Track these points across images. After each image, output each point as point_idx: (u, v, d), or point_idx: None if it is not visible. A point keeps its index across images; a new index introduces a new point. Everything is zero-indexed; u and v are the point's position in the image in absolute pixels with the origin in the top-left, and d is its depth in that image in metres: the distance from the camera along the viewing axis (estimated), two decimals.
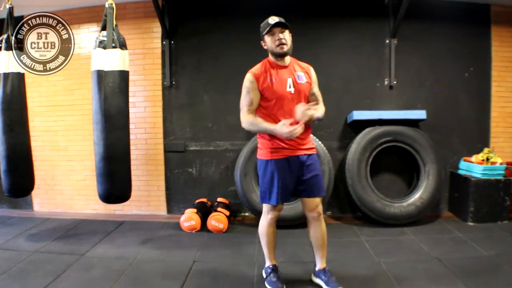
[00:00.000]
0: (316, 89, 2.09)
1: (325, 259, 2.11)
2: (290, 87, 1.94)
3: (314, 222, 2.05)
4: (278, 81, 1.94)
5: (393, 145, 3.25)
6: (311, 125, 2.07)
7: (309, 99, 2.06)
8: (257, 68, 2.02)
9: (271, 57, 2.02)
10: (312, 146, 2.05)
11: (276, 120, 1.92)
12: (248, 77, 1.99)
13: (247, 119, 1.96)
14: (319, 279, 2.09)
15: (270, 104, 1.96)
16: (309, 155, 2.00)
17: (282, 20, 1.93)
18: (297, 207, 3.10)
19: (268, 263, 2.18)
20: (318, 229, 2.05)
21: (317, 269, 2.11)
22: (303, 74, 2.00)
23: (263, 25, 1.99)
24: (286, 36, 1.95)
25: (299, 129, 1.81)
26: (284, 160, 1.96)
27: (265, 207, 2.08)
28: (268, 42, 1.97)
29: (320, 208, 2.03)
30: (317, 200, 2.02)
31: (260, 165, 2.04)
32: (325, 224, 2.08)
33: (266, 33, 1.96)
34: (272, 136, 1.95)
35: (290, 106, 1.92)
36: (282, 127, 1.82)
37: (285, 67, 1.99)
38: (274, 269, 2.15)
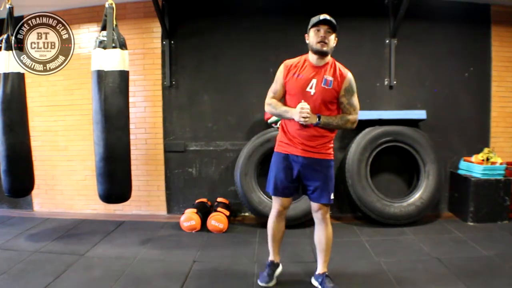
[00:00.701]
0: (348, 98, 1.97)
1: (327, 264, 2.09)
2: (311, 88, 1.94)
3: (317, 225, 2.07)
4: (302, 78, 1.96)
5: (393, 145, 3.25)
6: (330, 132, 1.99)
7: (339, 107, 2.00)
8: (292, 60, 2.05)
9: (309, 54, 2.01)
10: (325, 152, 1.99)
11: (291, 120, 1.98)
12: (280, 67, 2.06)
13: (268, 102, 2.06)
14: (317, 283, 2.09)
15: (291, 98, 2.00)
16: (317, 159, 1.97)
17: (333, 20, 1.93)
18: (297, 207, 3.11)
19: (269, 257, 2.23)
20: (321, 232, 2.05)
21: (317, 272, 2.11)
22: (332, 80, 1.94)
23: (313, 19, 1.97)
24: (331, 37, 1.93)
25: (306, 110, 1.85)
26: (285, 155, 2.01)
27: (273, 200, 2.14)
28: (311, 36, 1.96)
29: (323, 212, 2.02)
30: (319, 206, 2.01)
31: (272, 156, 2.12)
32: (331, 230, 2.06)
33: (312, 27, 1.95)
34: (285, 131, 2.02)
35: (312, 106, 1.92)
36: (296, 109, 1.89)
37: (318, 67, 1.97)
38: (270, 264, 2.19)
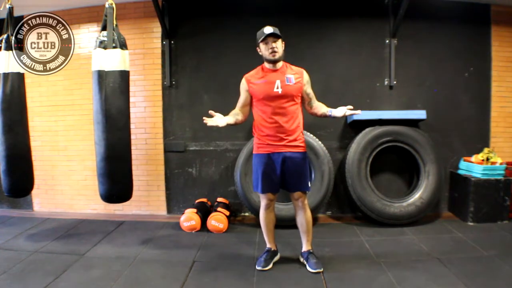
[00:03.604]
0: (309, 90, 2.33)
1: (310, 243, 2.39)
2: (277, 88, 2.21)
3: (298, 210, 2.35)
4: (266, 82, 2.23)
5: (393, 145, 3.25)
6: (299, 124, 2.29)
7: (305, 98, 2.33)
8: (250, 73, 2.34)
9: (265, 63, 2.30)
10: (298, 144, 2.27)
11: (265, 116, 2.24)
12: (242, 81, 2.35)
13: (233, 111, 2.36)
14: (302, 259, 2.39)
15: (259, 102, 2.27)
16: (293, 152, 2.24)
17: (276, 31, 2.18)
18: None
19: (267, 246, 2.47)
20: (301, 216, 2.34)
21: (302, 250, 2.41)
22: (292, 76, 2.24)
23: (258, 33, 2.24)
24: (278, 44, 2.20)
25: (210, 122, 2.15)
26: (266, 155, 2.26)
27: (260, 196, 2.38)
28: (263, 49, 2.24)
29: (302, 199, 2.31)
30: (298, 194, 2.30)
31: (253, 158, 2.39)
32: (310, 213, 2.36)
33: (261, 41, 2.22)
34: (259, 134, 2.29)
35: (277, 104, 2.21)
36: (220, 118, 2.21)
37: (275, 70, 2.26)
38: (268, 250, 2.43)
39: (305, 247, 2.40)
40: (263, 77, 2.25)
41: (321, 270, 2.25)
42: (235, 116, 2.30)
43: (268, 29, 2.18)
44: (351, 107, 2.16)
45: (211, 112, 2.17)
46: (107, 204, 2.94)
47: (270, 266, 2.35)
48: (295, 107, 2.26)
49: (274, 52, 2.18)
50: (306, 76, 2.31)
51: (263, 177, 2.27)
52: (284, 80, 2.21)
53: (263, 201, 2.35)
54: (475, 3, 3.41)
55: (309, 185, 2.32)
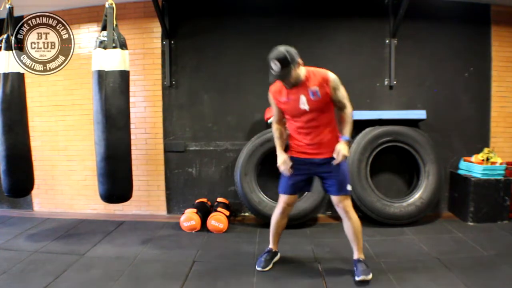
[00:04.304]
0: (339, 95, 2.10)
1: (360, 251, 2.23)
2: (304, 105, 2.08)
3: (342, 218, 2.23)
4: (291, 100, 2.11)
5: (393, 145, 3.25)
6: (335, 132, 2.19)
7: (336, 105, 2.15)
8: (274, 86, 2.20)
9: None
10: (329, 153, 2.15)
11: (297, 131, 2.18)
12: (269, 96, 2.24)
13: (272, 128, 2.32)
14: (354, 267, 2.22)
15: (290, 120, 2.20)
16: (327, 157, 2.15)
17: (279, 71, 1.96)
18: (297, 207, 3.11)
19: (269, 245, 2.46)
20: (346, 224, 2.22)
21: (353, 258, 2.26)
22: (317, 89, 2.05)
23: (270, 71, 2.01)
24: (289, 75, 2.00)
25: (282, 168, 2.21)
26: (298, 158, 2.21)
27: (279, 198, 2.33)
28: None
29: (343, 205, 2.18)
30: (337, 199, 2.19)
31: None
32: (355, 219, 2.20)
33: None
34: (293, 142, 2.23)
35: (308, 118, 2.11)
36: (280, 159, 2.22)
37: (297, 86, 2.08)
38: (269, 251, 2.42)
39: (355, 255, 2.24)
40: (287, 94, 2.10)
41: (366, 278, 2.09)
42: (281, 138, 2.26)
43: (273, 70, 1.98)
44: (336, 156, 2.09)
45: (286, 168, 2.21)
46: (107, 204, 2.94)
47: (270, 266, 2.34)
48: (329, 116, 2.14)
49: (285, 85, 2.07)
50: (331, 82, 2.06)
51: (287, 177, 2.24)
52: (308, 95, 2.06)
53: (280, 204, 2.31)
54: (475, 3, 3.41)
55: (348, 189, 2.18)
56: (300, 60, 2.04)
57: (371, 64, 3.48)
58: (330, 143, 2.15)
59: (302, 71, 2.07)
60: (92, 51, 2.65)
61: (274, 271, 2.30)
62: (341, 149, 2.08)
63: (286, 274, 2.26)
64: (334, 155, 2.10)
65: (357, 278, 2.12)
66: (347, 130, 2.15)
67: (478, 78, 3.51)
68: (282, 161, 2.21)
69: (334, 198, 2.20)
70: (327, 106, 2.11)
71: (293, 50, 2.01)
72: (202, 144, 3.58)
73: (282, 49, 1.98)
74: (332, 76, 2.08)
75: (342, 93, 2.12)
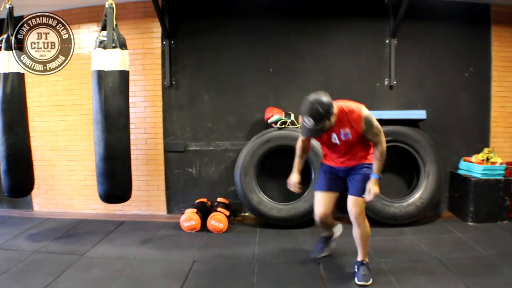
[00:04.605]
0: (371, 134, 2.06)
1: (363, 255, 2.21)
2: (335, 140, 2.12)
3: (353, 223, 2.20)
4: (324, 137, 2.14)
5: (393, 145, 3.24)
6: (367, 151, 2.20)
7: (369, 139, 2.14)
8: None
9: None
10: (357, 162, 2.18)
11: (329, 152, 2.26)
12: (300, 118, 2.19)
13: (297, 143, 2.32)
14: (356, 268, 2.22)
15: (322, 145, 2.29)
16: (352, 166, 2.20)
17: (313, 126, 1.91)
18: (297, 207, 3.12)
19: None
20: (354, 230, 2.20)
21: (356, 259, 2.24)
22: (348, 131, 2.05)
23: (303, 124, 1.99)
24: (323, 129, 1.96)
25: (292, 187, 2.31)
26: (328, 166, 2.30)
27: (316, 199, 2.37)
28: None
29: (355, 210, 2.14)
30: (351, 202, 2.16)
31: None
32: (365, 231, 2.18)
33: None
34: (325, 158, 2.33)
35: (340, 148, 2.16)
36: (291, 179, 2.31)
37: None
38: (323, 237, 2.51)
39: (358, 257, 2.22)
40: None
41: (366, 284, 2.09)
42: (302, 158, 2.31)
43: (305, 126, 1.93)
44: (370, 197, 2.09)
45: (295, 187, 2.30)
46: (107, 204, 2.94)
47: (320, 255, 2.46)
48: (362, 143, 2.15)
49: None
50: (363, 124, 2.02)
51: (324, 177, 2.29)
52: (339, 134, 2.07)
53: (316, 211, 2.31)
54: (475, 3, 3.41)
55: (362, 194, 2.12)
56: (333, 109, 1.94)
57: (371, 64, 3.48)
58: (361, 157, 2.18)
59: (335, 113, 1.99)
60: (92, 51, 2.65)
61: (274, 271, 2.31)
62: (372, 188, 2.07)
63: (286, 274, 2.27)
64: (365, 196, 2.11)
65: (357, 282, 2.11)
66: (378, 168, 2.09)
67: (478, 78, 3.51)
68: (293, 182, 2.29)
69: (350, 200, 2.16)
70: (360, 139, 2.11)
71: (326, 101, 1.89)
72: (202, 144, 3.58)
73: (315, 102, 1.87)
74: (364, 115, 2.02)
75: (375, 131, 2.06)
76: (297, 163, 2.32)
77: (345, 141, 2.09)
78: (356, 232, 2.19)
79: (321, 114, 1.86)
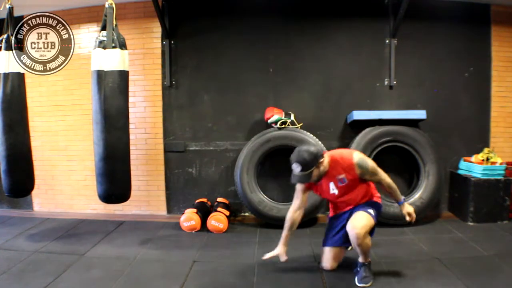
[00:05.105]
0: (367, 175, 2.13)
1: (364, 257, 2.15)
2: (333, 190, 2.18)
3: (353, 242, 2.15)
4: (320, 186, 2.21)
5: (393, 145, 3.24)
6: (369, 194, 2.24)
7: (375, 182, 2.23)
8: None
9: None
10: (355, 204, 2.21)
11: (334, 203, 2.31)
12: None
13: (287, 215, 2.27)
14: (357, 268, 2.19)
15: (323, 197, 2.33)
16: (352, 208, 2.22)
17: (301, 174, 2.02)
18: None
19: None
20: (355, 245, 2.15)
21: (358, 260, 2.20)
22: (343, 176, 2.12)
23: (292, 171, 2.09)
24: (310, 176, 2.04)
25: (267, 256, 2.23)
26: (334, 215, 2.34)
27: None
28: None
29: (355, 238, 2.07)
30: (357, 217, 2.13)
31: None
32: (366, 242, 2.11)
33: None
34: (330, 206, 2.38)
35: (340, 198, 2.21)
36: (277, 250, 2.22)
37: (324, 175, 2.13)
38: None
39: (360, 258, 2.17)
40: (319, 181, 2.16)
41: (366, 285, 2.06)
42: (290, 231, 2.25)
43: (294, 173, 2.04)
44: (409, 219, 2.18)
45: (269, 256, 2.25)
46: (107, 204, 2.94)
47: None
48: (361, 186, 2.18)
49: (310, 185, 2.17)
50: (357, 168, 2.09)
51: (331, 229, 2.30)
52: (336, 182, 2.15)
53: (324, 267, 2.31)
54: (475, 3, 3.41)
55: (371, 212, 2.14)
56: (322, 158, 2.04)
57: (371, 64, 3.48)
58: (361, 197, 2.21)
59: (325, 161, 2.08)
60: (92, 51, 2.65)
61: (274, 271, 2.30)
62: (408, 210, 2.18)
63: (286, 274, 2.26)
64: (407, 219, 2.19)
65: (357, 284, 2.10)
66: (398, 195, 2.21)
67: (478, 78, 3.51)
68: (278, 253, 2.21)
69: (356, 216, 2.14)
70: (360, 183, 2.16)
71: (315, 150, 2.02)
72: (202, 144, 3.58)
73: (303, 151, 2.00)
74: (356, 160, 2.08)
75: (371, 172, 2.12)
76: (285, 235, 2.24)
77: (342, 187, 2.15)
78: (358, 248, 2.11)
79: (307, 161, 1.98)
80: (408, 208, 2.20)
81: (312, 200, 3.09)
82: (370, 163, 2.14)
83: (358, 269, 2.16)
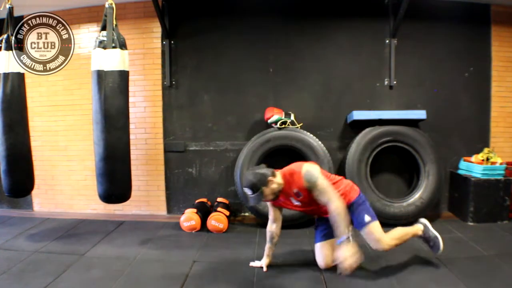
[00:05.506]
0: (315, 193, 2.05)
1: (415, 236, 2.35)
2: (296, 202, 2.21)
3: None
4: (283, 202, 2.25)
5: (393, 145, 3.25)
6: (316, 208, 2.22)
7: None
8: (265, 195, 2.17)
9: None
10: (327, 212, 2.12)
11: (308, 213, 2.36)
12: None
13: (267, 227, 2.35)
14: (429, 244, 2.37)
15: None
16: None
17: (253, 196, 2.06)
18: None
19: None
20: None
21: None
22: (297, 190, 2.13)
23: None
24: (262, 196, 2.07)
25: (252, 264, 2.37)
26: (317, 219, 2.42)
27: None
28: None
29: (372, 239, 2.18)
30: (363, 231, 2.21)
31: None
32: (395, 240, 2.22)
33: None
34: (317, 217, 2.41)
35: (306, 208, 2.23)
36: (262, 262, 2.34)
37: (282, 191, 2.15)
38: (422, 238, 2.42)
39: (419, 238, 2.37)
40: (277, 198, 2.18)
41: (440, 250, 2.28)
42: (271, 243, 2.32)
43: (248, 199, 2.12)
44: (344, 272, 1.91)
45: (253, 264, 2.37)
46: (107, 204, 2.94)
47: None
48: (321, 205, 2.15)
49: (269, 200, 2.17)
50: (304, 182, 2.04)
51: (317, 229, 2.40)
52: (294, 196, 2.16)
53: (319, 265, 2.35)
54: (475, 3, 3.41)
55: (366, 220, 2.15)
56: (271, 177, 2.05)
57: (371, 64, 3.48)
58: (318, 212, 2.27)
59: (278, 179, 2.10)
60: (92, 51, 2.65)
61: (274, 271, 2.30)
62: (341, 256, 1.88)
63: (286, 274, 2.26)
64: (339, 267, 1.91)
65: (436, 253, 2.28)
66: (341, 227, 1.92)
67: (478, 78, 3.51)
68: (261, 264, 2.33)
69: (364, 235, 2.20)
70: (316, 200, 2.12)
71: (260, 171, 2.06)
72: (202, 144, 3.58)
73: (249, 175, 2.07)
74: (303, 172, 2.05)
75: (319, 189, 2.01)
76: (267, 247, 2.33)
77: (301, 199, 2.15)
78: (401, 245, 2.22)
79: (254, 182, 2.02)
80: (344, 252, 1.85)
81: None
82: (321, 179, 2.01)
83: (430, 244, 2.33)
